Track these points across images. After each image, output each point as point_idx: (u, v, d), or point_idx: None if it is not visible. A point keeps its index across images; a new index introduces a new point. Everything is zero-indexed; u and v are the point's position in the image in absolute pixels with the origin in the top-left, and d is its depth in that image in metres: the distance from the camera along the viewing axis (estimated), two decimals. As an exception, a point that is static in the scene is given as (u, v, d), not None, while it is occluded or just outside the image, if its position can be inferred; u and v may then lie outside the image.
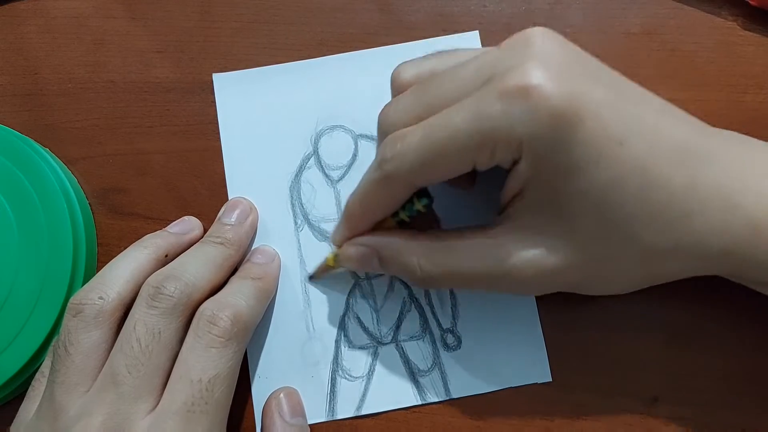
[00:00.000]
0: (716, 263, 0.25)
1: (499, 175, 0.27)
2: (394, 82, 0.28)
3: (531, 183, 0.25)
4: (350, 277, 0.33)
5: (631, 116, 0.24)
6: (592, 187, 0.24)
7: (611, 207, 0.24)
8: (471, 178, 0.31)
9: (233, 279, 0.31)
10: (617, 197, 0.24)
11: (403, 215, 0.29)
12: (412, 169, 0.25)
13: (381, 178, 0.27)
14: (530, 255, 0.26)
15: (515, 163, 0.25)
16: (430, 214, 0.31)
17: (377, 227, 0.29)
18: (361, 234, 0.29)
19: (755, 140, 0.26)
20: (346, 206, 0.29)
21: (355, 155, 0.34)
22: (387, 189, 0.27)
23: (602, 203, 0.24)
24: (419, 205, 0.28)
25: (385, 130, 0.27)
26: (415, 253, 0.28)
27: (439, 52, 0.28)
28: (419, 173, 0.26)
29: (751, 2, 0.33)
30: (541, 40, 0.24)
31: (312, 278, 0.33)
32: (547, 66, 0.23)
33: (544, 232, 0.26)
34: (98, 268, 0.34)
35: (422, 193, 0.28)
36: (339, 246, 0.30)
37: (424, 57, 0.29)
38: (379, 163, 0.26)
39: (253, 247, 0.34)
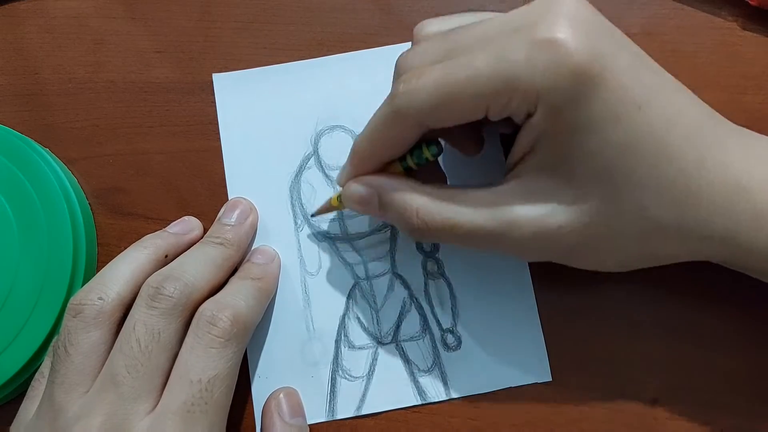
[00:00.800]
0: (716, 247, 0.25)
1: (506, 142, 0.26)
2: (417, 34, 0.28)
3: (543, 139, 0.25)
4: (350, 277, 0.33)
5: (652, 85, 0.24)
6: (606, 147, 0.24)
7: (622, 171, 0.24)
8: (477, 142, 0.30)
9: (233, 279, 0.31)
10: (629, 162, 0.24)
11: (410, 161, 0.28)
12: (424, 106, 0.25)
13: (391, 112, 0.26)
14: (533, 213, 0.25)
15: (528, 117, 0.24)
16: (437, 169, 0.31)
17: (384, 171, 0.29)
18: (366, 174, 0.29)
19: (755, 133, 0.27)
20: (354, 144, 0.29)
21: (355, 155, 0.34)
22: (396, 126, 0.26)
23: (614, 166, 0.24)
24: (428, 153, 0.28)
25: (401, 72, 0.27)
26: (416, 199, 0.27)
27: (464, 13, 0.28)
28: (431, 112, 0.25)
29: (751, 2, 0.33)
30: (571, 1, 0.24)
31: (313, 215, 0.33)
32: (576, 24, 0.23)
33: (549, 192, 0.25)
34: (98, 268, 0.34)
35: (432, 141, 0.28)
36: (343, 186, 0.30)
37: (449, 15, 0.28)
38: (391, 97, 0.26)
39: (253, 247, 0.34)
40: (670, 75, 0.26)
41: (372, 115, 0.27)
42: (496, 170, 0.30)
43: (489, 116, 0.25)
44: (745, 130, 0.27)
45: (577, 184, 0.25)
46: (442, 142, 0.29)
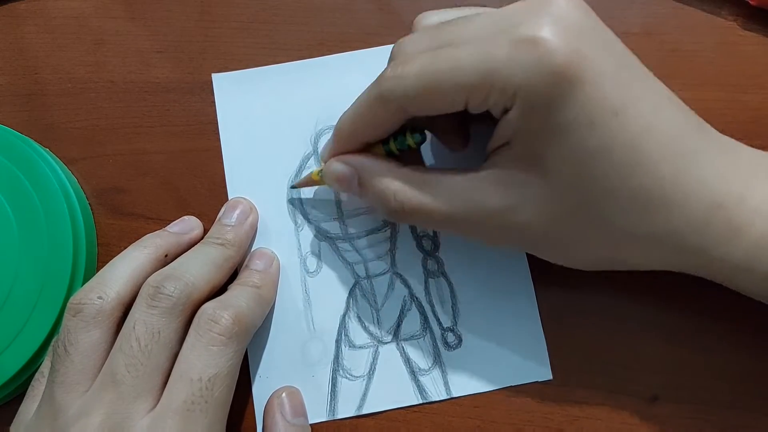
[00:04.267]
0: (689, 259, 0.25)
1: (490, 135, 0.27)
2: (416, 24, 0.29)
3: (518, 135, 0.25)
4: (350, 276, 0.33)
5: (632, 92, 0.24)
6: (578, 151, 0.24)
7: (592, 177, 0.24)
8: (464, 138, 0.31)
9: (233, 286, 0.31)
10: (601, 168, 0.24)
11: (393, 146, 0.29)
12: (407, 92, 0.25)
13: (376, 95, 0.27)
14: (504, 203, 0.26)
15: (505, 112, 0.25)
16: (418, 158, 0.32)
17: (366, 151, 0.29)
18: (349, 152, 0.30)
19: (745, 146, 0.26)
20: (338, 121, 0.29)
21: (355, 155, 0.34)
22: (379, 109, 0.27)
23: (585, 170, 0.24)
24: (411, 140, 0.28)
25: (393, 57, 0.28)
26: (394, 180, 0.28)
27: (464, 7, 0.29)
28: (413, 99, 0.26)
29: (751, 2, 0.33)
30: (563, 1, 0.24)
31: (293, 187, 0.34)
32: (560, 24, 0.23)
33: (521, 184, 0.26)
34: (98, 268, 0.34)
35: (416, 129, 0.28)
36: (325, 162, 0.31)
37: (450, 8, 0.29)
38: (379, 80, 0.27)
39: (253, 248, 0.34)
40: (657, 80, 0.25)
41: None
42: (479, 160, 0.30)
43: (468, 109, 0.25)
44: (729, 140, 0.26)
45: (548, 182, 0.25)
46: (428, 135, 0.29)
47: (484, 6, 0.29)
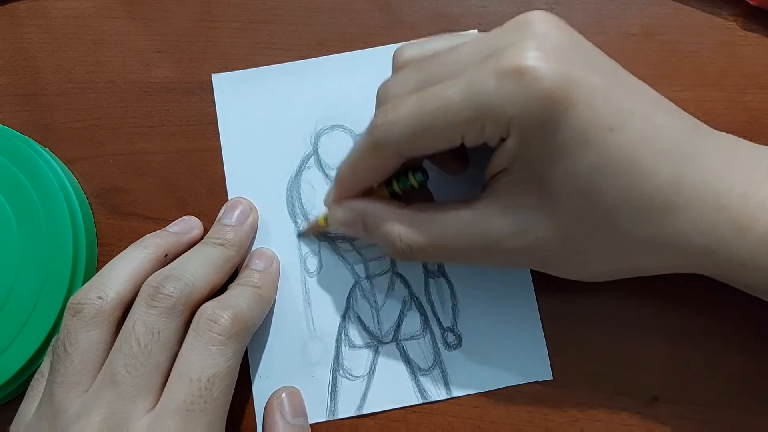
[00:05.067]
0: (697, 261, 0.25)
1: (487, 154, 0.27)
2: (396, 60, 0.28)
3: (517, 161, 0.25)
4: (350, 276, 0.33)
5: (624, 105, 0.24)
6: (577, 170, 0.24)
7: (595, 193, 0.24)
8: (462, 162, 0.31)
9: (233, 285, 0.31)
10: (602, 184, 0.24)
11: (396, 187, 0.29)
12: (401, 138, 0.25)
13: (370, 144, 0.27)
14: (510, 229, 0.26)
15: (503, 140, 0.25)
16: (424, 192, 0.31)
17: (369, 194, 0.29)
18: (351, 197, 0.29)
19: (745, 141, 0.26)
20: (338, 169, 0.29)
21: (355, 155, 0.34)
22: (375, 156, 0.27)
23: (586, 188, 0.24)
24: (413, 180, 0.28)
25: (381, 102, 0.27)
26: (398, 223, 0.28)
27: (442, 35, 0.29)
28: (408, 143, 0.26)
29: (751, 2, 0.33)
30: (540, 22, 0.24)
31: (300, 235, 0.34)
32: (544, 48, 0.23)
33: (524, 208, 0.26)
34: (98, 268, 0.34)
35: (418, 168, 0.28)
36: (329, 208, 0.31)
37: (426, 39, 0.29)
38: (370, 129, 0.26)
39: (253, 248, 0.34)
40: (647, 87, 0.25)
41: (355, 144, 0.29)
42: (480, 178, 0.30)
43: (465, 143, 0.25)
44: (728, 137, 0.26)
45: (550, 203, 0.25)
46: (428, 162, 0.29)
47: (462, 31, 0.28)
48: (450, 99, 0.24)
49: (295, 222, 0.34)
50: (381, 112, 0.26)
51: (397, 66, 0.28)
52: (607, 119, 0.23)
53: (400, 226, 0.28)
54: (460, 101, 0.24)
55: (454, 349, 0.32)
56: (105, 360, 0.28)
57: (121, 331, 0.28)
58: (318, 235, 0.34)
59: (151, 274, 0.29)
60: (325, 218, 0.31)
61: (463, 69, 0.24)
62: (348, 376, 0.32)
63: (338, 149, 0.34)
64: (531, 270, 0.33)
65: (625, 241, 0.25)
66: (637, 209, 0.24)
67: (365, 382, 0.32)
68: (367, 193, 0.29)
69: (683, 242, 0.25)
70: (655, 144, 0.24)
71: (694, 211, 0.24)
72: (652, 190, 0.24)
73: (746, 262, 0.24)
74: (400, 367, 0.32)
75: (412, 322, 0.33)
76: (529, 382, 0.32)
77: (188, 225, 0.33)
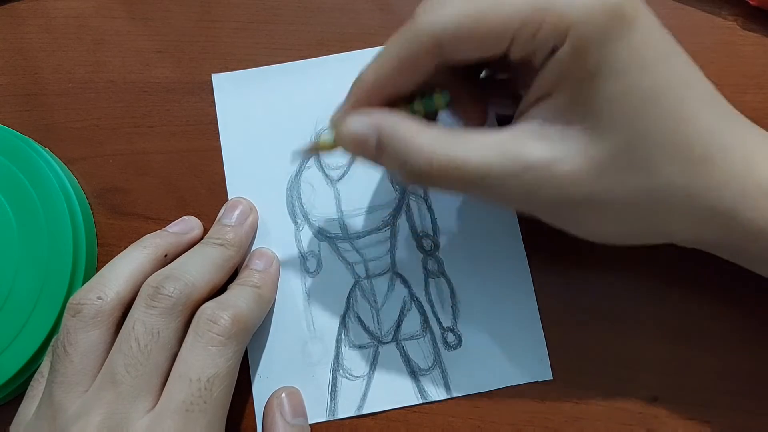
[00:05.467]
0: (716, 221, 0.25)
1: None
2: None
3: (565, 79, 0.24)
4: (350, 276, 0.33)
5: (675, 45, 0.24)
6: (629, 94, 0.23)
7: (642, 122, 0.23)
8: (483, 111, 0.29)
9: (233, 285, 0.31)
10: (650, 114, 0.23)
11: (418, 107, 0.26)
12: (447, 27, 0.23)
13: (408, 33, 0.24)
14: (545, 154, 0.24)
15: (552, 53, 0.23)
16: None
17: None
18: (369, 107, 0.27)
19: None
20: (359, 75, 0.26)
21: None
22: (413, 47, 0.24)
23: (634, 116, 0.23)
24: (439, 100, 0.26)
25: None
26: (422, 135, 0.25)
27: None
28: (453, 35, 0.23)
29: (751, 2, 0.33)
30: None
31: (299, 154, 0.30)
32: None
33: (564, 136, 0.24)
34: (98, 268, 0.34)
35: (444, 90, 0.26)
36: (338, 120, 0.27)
37: None
38: (412, 17, 0.24)
39: (253, 248, 0.34)
40: None
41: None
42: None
43: (511, 51, 0.24)
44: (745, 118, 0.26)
45: (593, 131, 0.24)
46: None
47: None
48: None
49: (295, 222, 0.34)
50: (426, 0, 0.24)
51: None
52: (663, 48, 0.23)
53: (422, 138, 0.25)
54: None
55: (454, 349, 0.32)
56: (105, 360, 0.28)
57: (121, 331, 0.28)
58: (321, 235, 0.33)
59: (151, 275, 0.29)
60: (331, 135, 0.28)
61: None
62: (348, 376, 0.32)
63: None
64: (531, 269, 0.33)
65: (658, 186, 0.24)
66: (675, 149, 0.24)
67: (365, 382, 0.32)
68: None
69: (713, 196, 0.24)
70: (697, 87, 0.24)
71: (727, 163, 0.24)
72: (693, 134, 0.24)
73: (763, 232, 0.24)
74: (400, 367, 0.32)
75: (412, 322, 0.33)
76: (529, 382, 0.32)
77: (188, 225, 0.33)
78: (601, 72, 0.23)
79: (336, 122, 0.27)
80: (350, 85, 0.27)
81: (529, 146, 0.24)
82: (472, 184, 0.25)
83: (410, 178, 0.26)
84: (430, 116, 0.27)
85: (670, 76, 0.23)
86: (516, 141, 0.24)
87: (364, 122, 0.26)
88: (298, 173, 0.34)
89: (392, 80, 0.26)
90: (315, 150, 0.29)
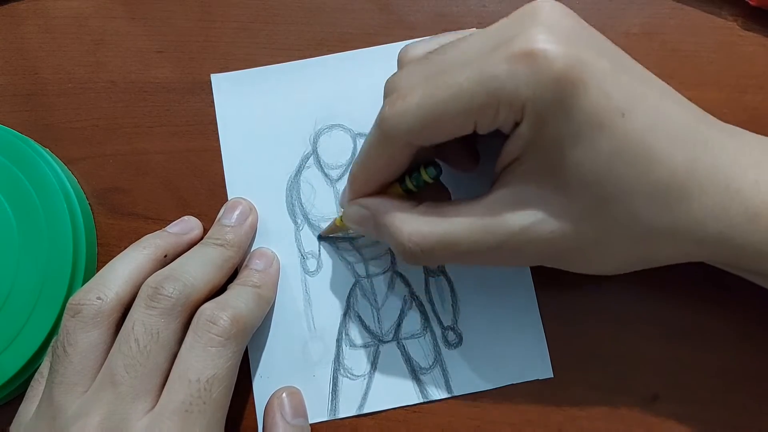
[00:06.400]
0: (711, 249, 0.25)
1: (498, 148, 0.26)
2: (401, 60, 0.28)
3: (530, 148, 0.25)
4: (351, 275, 0.33)
5: (634, 90, 0.24)
6: (591, 157, 0.24)
7: (609, 180, 0.24)
8: (473, 158, 0.30)
9: (232, 285, 0.31)
10: (617, 169, 0.24)
11: (409, 184, 0.28)
12: (412, 127, 0.25)
13: (379, 136, 0.26)
14: (525, 221, 0.25)
15: (516, 125, 0.24)
16: (439, 189, 0.31)
17: (384, 192, 0.29)
18: (366, 196, 0.29)
19: (750, 133, 0.27)
20: (351, 167, 0.29)
21: (354, 154, 0.34)
22: (386, 149, 0.26)
23: (601, 175, 0.24)
24: (426, 176, 0.27)
25: (388, 94, 0.27)
26: (407, 221, 0.27)
27: (446, 33, 0.28)
28: (419, 132, 0.25)
29: (751, 2, 0.33)
30: (547, 10, 0.24)
31: (320, 237, 0.34)
32: (553, 32, 0.23)
33: (540, 199, 0.25)
34: (98, 268, 0.34)
35: (430, 163, 0.27)
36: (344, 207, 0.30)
37: (431, 36, 0.28)
38: (379, 121, 0.26)
39: (253, 248, 0.34)
40: (656, 78, 0.25)
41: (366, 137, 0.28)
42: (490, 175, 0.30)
43: (478, 130, 0.25)
44: (735, 128, 0.26)
45: (565, 191, 0.25)
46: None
47: (463, 29, 0.28)
48: (461, 86, 0.24)
49: (295, 222, 0.34)
50: (389, 102, 0.26)
51: (402, 64, 0.28)
52: (618, 103, 0.23)
53: (409, 225, 0.27)
54: (472, 87, 0.23)
55: (455, 348, 0.32)
56: (104, 360, 0.28)
57: (121, 331, 0.28)
58: (338, 237, 0.34)
59: (151, 275, 0.29)
60: (341, 218, 0.31)
61: (472, 58, 0.24)
62: (348, 375, 0.32)
63: (338, 149, 0.34)
64: (533, 267, 0.33)
65: (641, 230, 0.25)
66: (652, 196, 0.24)
67: (366, 381, 0.32)
68: (382, 191, 0.29)
69: (698, 229, 0.24)
70: (668, 129, 0.24)
71: (708, 196, 0.24)
72: (666, 176, 0.24)
73: (763, 247, 0.24)
74: (401, 366, 0.32)
75: (413, 320, 0.33)
76: (530, 380, 0.32)
77: (188, 225, 0.33)
78: (562, 140, 0.24)
79: (342, 206, 0.30)
80: (348, 176, 0.30)
81: (508, 216, 0.26)
82: (463, 257, 0.27)
83: (406, 259, 0.28)
84: (422, 188, 0.28)
85: (631, 127, 0.23)
86: (496, 213, 0.26)
87: (360, 208, 0.29)
88: (298, 173, 0.34)
89: (378, 175, 0.28)
90: (332, 231, 0.33)
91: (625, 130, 0.23)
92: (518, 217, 0.25)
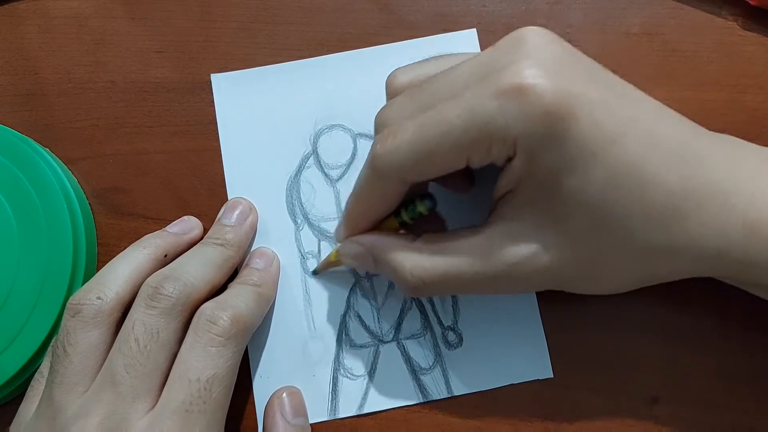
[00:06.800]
0: (710, 265, 0.25)
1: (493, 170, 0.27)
2: (390, 86, 0.28)
3: (524, 181, 0.25)
4: (351, 275, 0.33)
5: (625, 116, 0.24)
6: (585, 185, 0.24)
7: (605, 206, 0.24)
8: (468, 180, 0.31)
9: (233, 284, 0.31)
10: (611, 196, 0.24)
11: (405, 217, 0.28)
12: (404, 165, 0.25)
13: (372, 174, 0.27)
14: (524, 252, 0.26)
15: (509, 159, 0.25)
16: (434, 217, 0.31)
17: (380, 227, 0.29)
18: (362, 232, 0.29)
19: (746, 143, 0.26)
20: (346, 204, 0.29)
21: (354, 154, 0.34)
22: (379, 186, 0.27)
23: (596, 202, 0.24)
24: (421, 208, 0.28)
25: (379, 130, 0.27)
26: (407, 256, 0.27)
27: (435, 57, 0.28)
28: (411, 169, 0.25)
29: (751, 2, 0.33)
30: (534, 38, 0.24)
31: (315, 273, 0.33)
32: (541, 65, 0.23)
33: (537, 229, 0.25)
34: (98, 268, 0.34)
35: (425, 195, 0.28)
36: (340, 243, 0.30)
37: (419, 62, 0.29)
38: (371, 159, 0.26)
39: (253, 248, 0.34)
40: (646, 96, 0.25)
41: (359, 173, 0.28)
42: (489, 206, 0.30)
43: (471, 165, 0.25)
44: (729, 138, 0.26)
45: (561, 221, 0.25)
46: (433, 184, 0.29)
47: (452, 54, 0.28)
48: (452, 123, 0.24)
49: (295, 222, 0.34)
50: (380, 139, 0.26)
51: (392, 92, 0.28)
52: (609, 131, 0.23)
53: (410, 260, 0.27)
54: (463, 124, 0.24)
55: (455, 348, 0.32)
56: (104, 360, 0.28)
57: (121, 331, 0.28)
58: (321, 235, 0.34)
59: (151, 275, 0.29)
60: (336, 253, 0.31)
61: (460, 91, 0.24)
62: (349, 375, 0.32)
63: (338, 149, 0.34)
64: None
65: (639, 251, 0.25)
66: (648, 217, 0.24)
67: (366, 381, 0.32)
68: (377, 225, 0.29)
69: (696, 246, 0.25)
70: (659, 151, 0.24)
71: (705, 214, 0.24)
72: (662, 197, 0.24)
73: (761, 261, 0.24)
74: (401, 367, 0.32)
75: (413, 321, 0.33)
76: (530, 380, 0.32)
77: (188, 225, 0.33)
78: (555, 171, 0.24)
79: (337, 242, 0.31)
80: (343, 212, 0.30)
81: (506, 248, 0.26)
82: (465, 288, 0.28)
83: (409, 292, 0.28)
84: (417, 219, 0.28)
85: (623, 152, 0.23)
86: (495, 246, 0.26)
87: (357, 246, 0.29)
88: (298, 173, 0.34)
89: (372, 211, 0.28)
90: (327, 266, 0.33)
91: (617, 157, 0.23)
92: (517, 250, 0.26)
